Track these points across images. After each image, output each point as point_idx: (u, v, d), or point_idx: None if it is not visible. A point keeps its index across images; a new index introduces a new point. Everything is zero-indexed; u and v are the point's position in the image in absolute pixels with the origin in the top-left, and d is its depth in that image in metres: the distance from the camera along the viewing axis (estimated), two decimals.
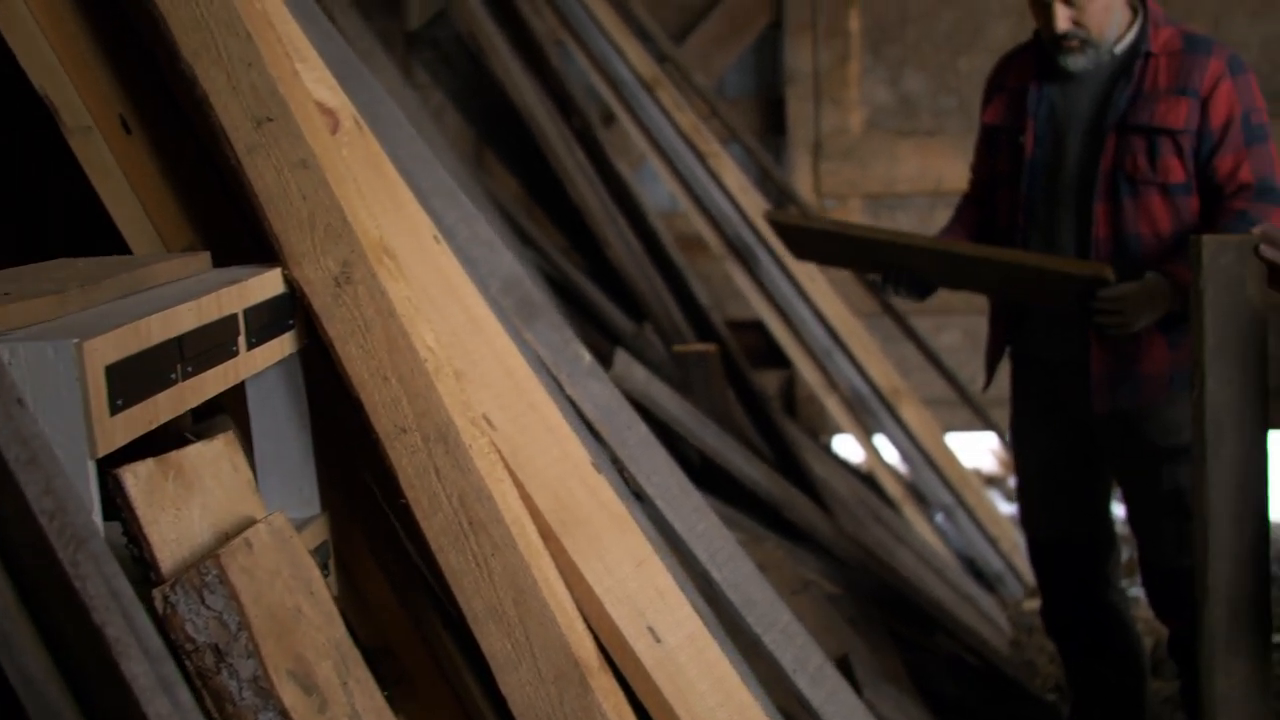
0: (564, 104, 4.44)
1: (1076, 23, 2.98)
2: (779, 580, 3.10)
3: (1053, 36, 3.01)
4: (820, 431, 5.73)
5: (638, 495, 2.26)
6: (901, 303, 4.20)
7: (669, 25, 5.65)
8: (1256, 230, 2.49)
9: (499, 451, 1.80)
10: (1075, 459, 3.25)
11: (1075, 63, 3.04)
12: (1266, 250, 2.43)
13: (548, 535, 1.82)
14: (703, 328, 4.26)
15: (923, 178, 5.77)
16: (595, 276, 4.66)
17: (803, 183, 5.78)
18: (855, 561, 3.54)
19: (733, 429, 3.70)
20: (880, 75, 5.80)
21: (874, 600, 3.58)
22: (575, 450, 1.92)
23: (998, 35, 5.41)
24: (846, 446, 5.76)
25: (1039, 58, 3.14)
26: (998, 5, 5.60)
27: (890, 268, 3.23)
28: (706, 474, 3.46)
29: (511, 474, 1.81)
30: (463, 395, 1.77)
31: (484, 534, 1.71)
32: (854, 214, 5.85)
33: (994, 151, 3.25)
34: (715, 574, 2.28)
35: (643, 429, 2.34)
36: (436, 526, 1.72)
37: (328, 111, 1.84)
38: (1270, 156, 2.97)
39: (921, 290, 3.25)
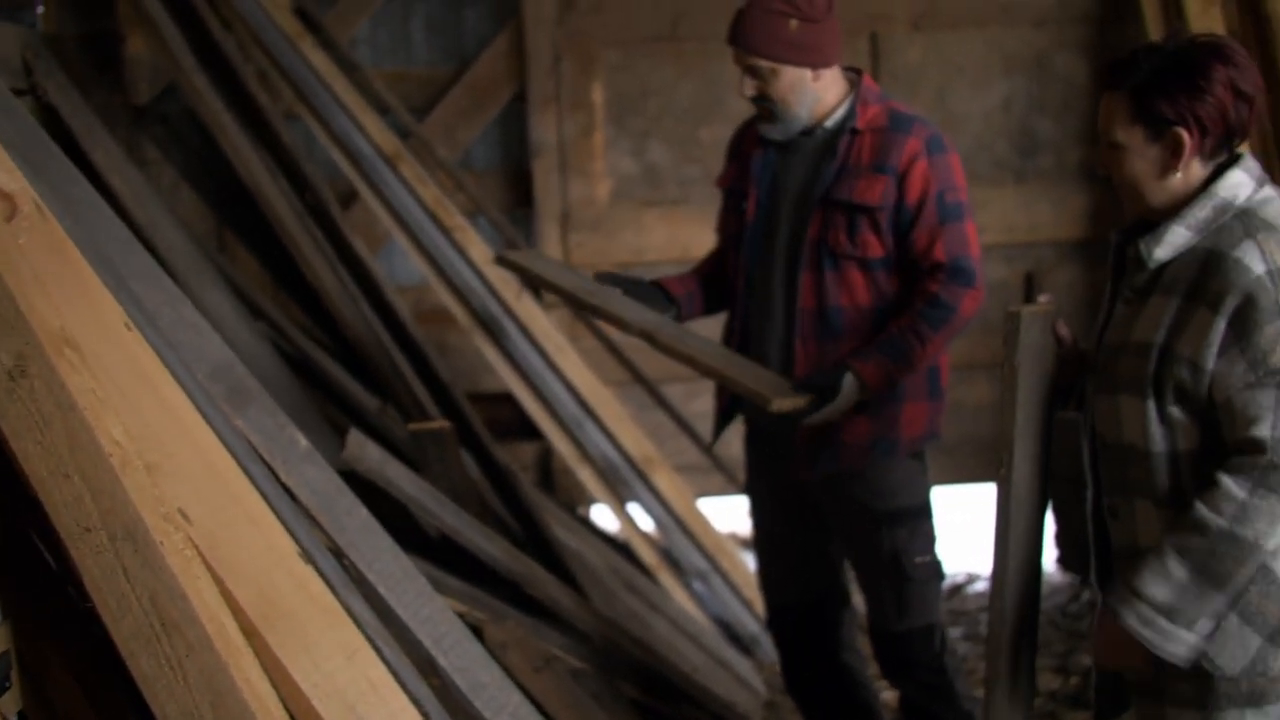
0: (298, 181, 4.35)
1: (762, 93, 3.09)
2: (520, 658, 3.06)
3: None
4: (577, 502, 5.71)
5: (358, 582, 2.20)
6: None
7: (411, 99, 5.62)
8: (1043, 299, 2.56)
9: (196, 547, 1.73)
10: (801, 522, 3.31)
11: (768, 130, 3.15)
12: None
13: (251, 632, 1.76)
14: (445, 403, 4.21)
15: (670, 246, 5.84)
16: (339, 355, 4.56)
17: (551, 253, 5.79)
18: (600, 635, 3.52)
19: (476, 505, 3.66)
20: (625, 147, 5.86)
21: (620, 673, 3.56)
22: (281, 541, 1.86)
23: (737, 106, 5.49)
24: (603, 516, 5.76)
25: None
26: (734, 77, 5.71)
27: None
28: (448, 553, 3.40)
29: (210, 569, 1.74)
30: (155, 490, 1.70)
31: (178, 635, 1.64)
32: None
33: (726, 213, 3.32)
34: (441, 660, 2.24)
35: (364, 513, 2.28)
36: (126, 630, 1.64)
37: (4, 196, 1.75)
38: (965, 235, 3.05)
39: None
